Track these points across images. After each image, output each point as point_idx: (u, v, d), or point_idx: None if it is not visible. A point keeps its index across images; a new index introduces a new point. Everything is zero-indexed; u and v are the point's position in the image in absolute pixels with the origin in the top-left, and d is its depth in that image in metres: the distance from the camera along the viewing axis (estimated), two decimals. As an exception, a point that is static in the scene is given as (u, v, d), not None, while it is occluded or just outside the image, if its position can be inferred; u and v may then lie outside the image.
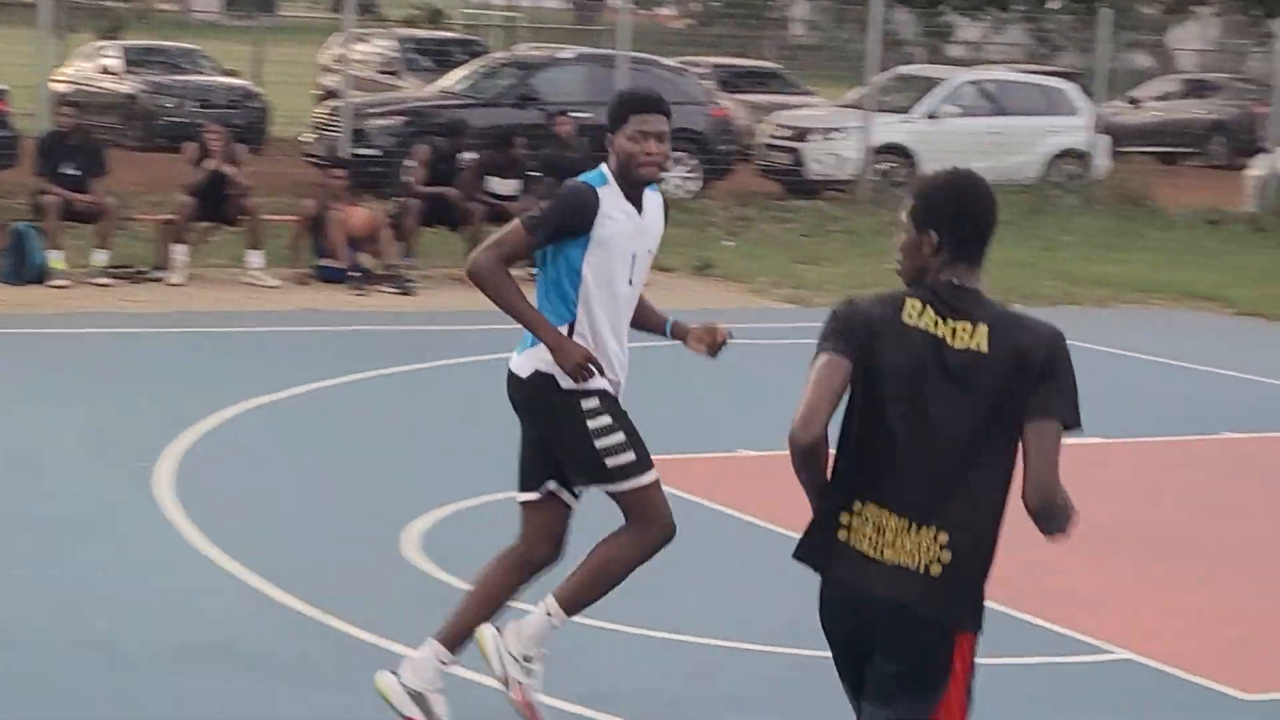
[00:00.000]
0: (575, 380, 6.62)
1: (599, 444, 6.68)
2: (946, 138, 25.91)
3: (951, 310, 4.88)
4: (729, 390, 13.02)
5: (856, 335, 4.88)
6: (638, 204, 6.75)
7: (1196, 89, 37.75)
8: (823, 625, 5.01)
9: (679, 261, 19.03)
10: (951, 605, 4.85)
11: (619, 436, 6.69)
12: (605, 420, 6.68)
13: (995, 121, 26.92)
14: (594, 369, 6.62)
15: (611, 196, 6.71)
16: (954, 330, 4.86)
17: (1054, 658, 8.13)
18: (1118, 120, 32.72)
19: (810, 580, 5.05)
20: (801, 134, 26.60)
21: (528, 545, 6.89)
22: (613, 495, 6.78)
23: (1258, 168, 27.04)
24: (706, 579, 8.91)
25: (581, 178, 6.76)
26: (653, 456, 6.78)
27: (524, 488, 6.89)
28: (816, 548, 4.97)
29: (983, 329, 4.85)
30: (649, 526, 6.75)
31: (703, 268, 19.32)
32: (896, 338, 4.86)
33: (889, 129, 25.97)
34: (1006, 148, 26.18)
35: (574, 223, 6.67)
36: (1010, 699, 7.34)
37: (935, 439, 4.82)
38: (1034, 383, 4.81)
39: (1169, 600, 9.04)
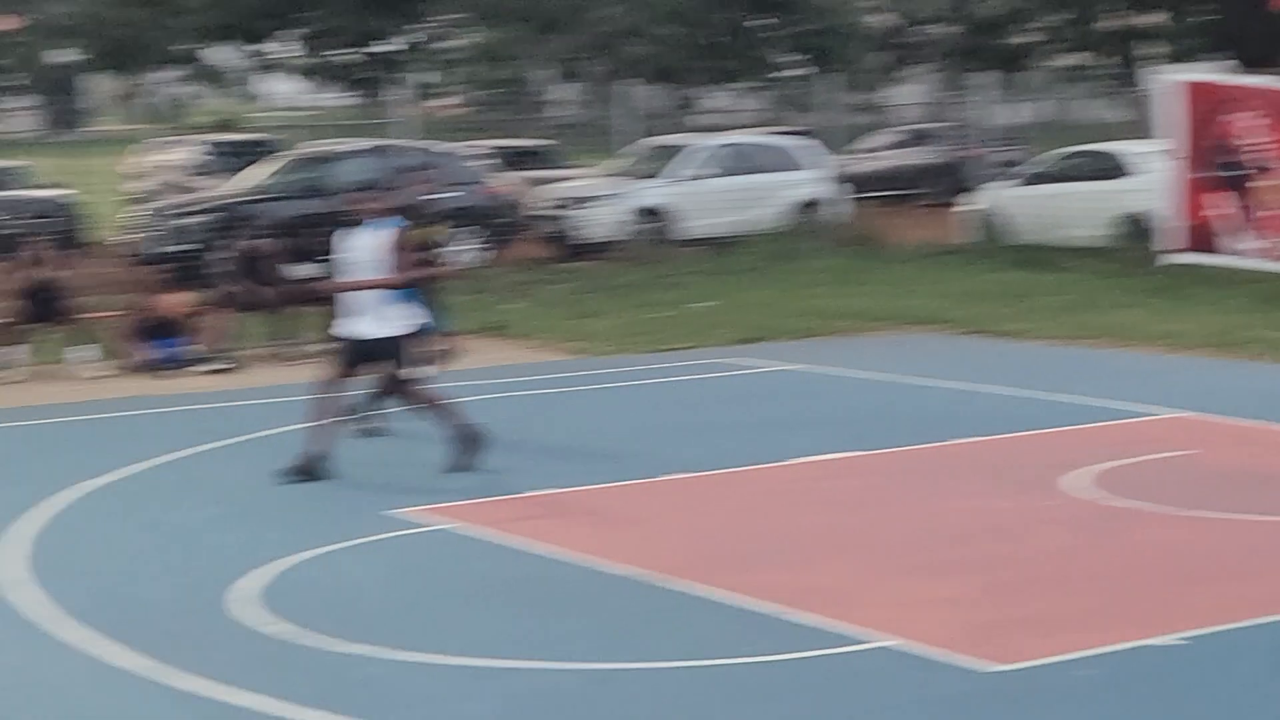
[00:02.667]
0: None
1: None
2: (698, 198, 27.03)
3: None
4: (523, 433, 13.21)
5: None
6: None
7: (917, 138, 38.76)
8: None
9: (474, 323, 18.97)
10: None
11: None
12: None
13: (737, 180, 27.89)
14: None
15: None
16: None
17: (816, 651, 8.10)
18: (851, 169, 33.58)
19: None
20: (566, 203, 27.35)
21: None
22: None
23: (966, 205, 28.35)
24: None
25: None
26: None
27: None
28: None
29: None
30: None
31: (497, 328, 19.60)
32: None
33: (648, 193, 26.94)
34: (749, 202, 27.40)
35: None
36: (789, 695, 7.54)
37: None
38: None
39: (910, 590, 9.10)
